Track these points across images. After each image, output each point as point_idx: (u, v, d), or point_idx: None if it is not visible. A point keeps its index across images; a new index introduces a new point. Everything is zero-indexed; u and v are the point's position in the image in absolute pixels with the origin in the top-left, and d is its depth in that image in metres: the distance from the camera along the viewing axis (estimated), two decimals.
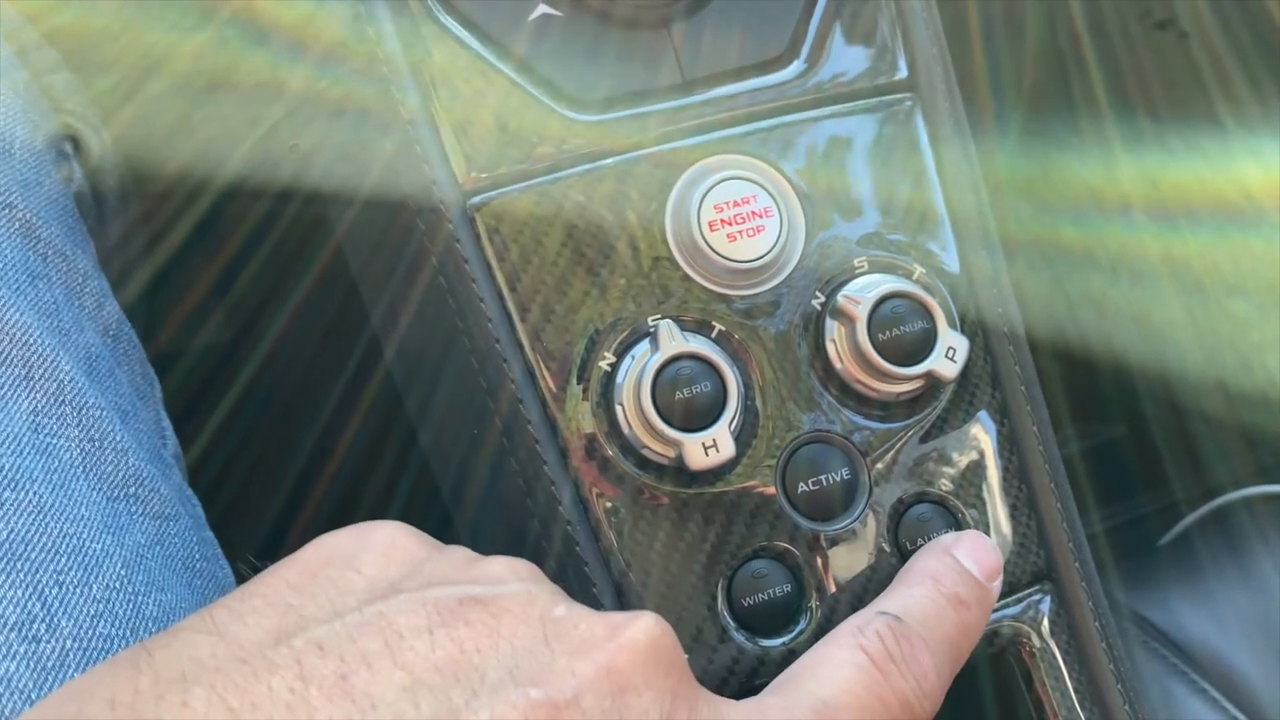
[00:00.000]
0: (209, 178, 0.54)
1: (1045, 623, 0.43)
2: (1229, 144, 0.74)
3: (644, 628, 0.28)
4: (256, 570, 0.29)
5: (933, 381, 0.41)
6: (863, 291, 0.40)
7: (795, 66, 0.43)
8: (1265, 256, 0.75)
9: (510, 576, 0.30)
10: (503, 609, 0.28)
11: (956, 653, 0.34)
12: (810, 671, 0.32)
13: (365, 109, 0.41)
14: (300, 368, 0.66)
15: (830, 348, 0.41)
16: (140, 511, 0.38)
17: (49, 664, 0.32)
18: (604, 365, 0.40)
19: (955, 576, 0.36)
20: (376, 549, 0.30)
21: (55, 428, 0.36)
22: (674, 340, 0.38)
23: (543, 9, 0.41)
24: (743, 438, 0.40)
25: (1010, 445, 0.43)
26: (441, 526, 0.49)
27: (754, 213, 0.40)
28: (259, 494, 0.63)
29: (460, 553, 0.31)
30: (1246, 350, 0.79)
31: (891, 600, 0.35)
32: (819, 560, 0.40)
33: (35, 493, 0.34)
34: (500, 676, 0.26)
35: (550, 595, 0.29)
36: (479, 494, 0.45)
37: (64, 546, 0.34)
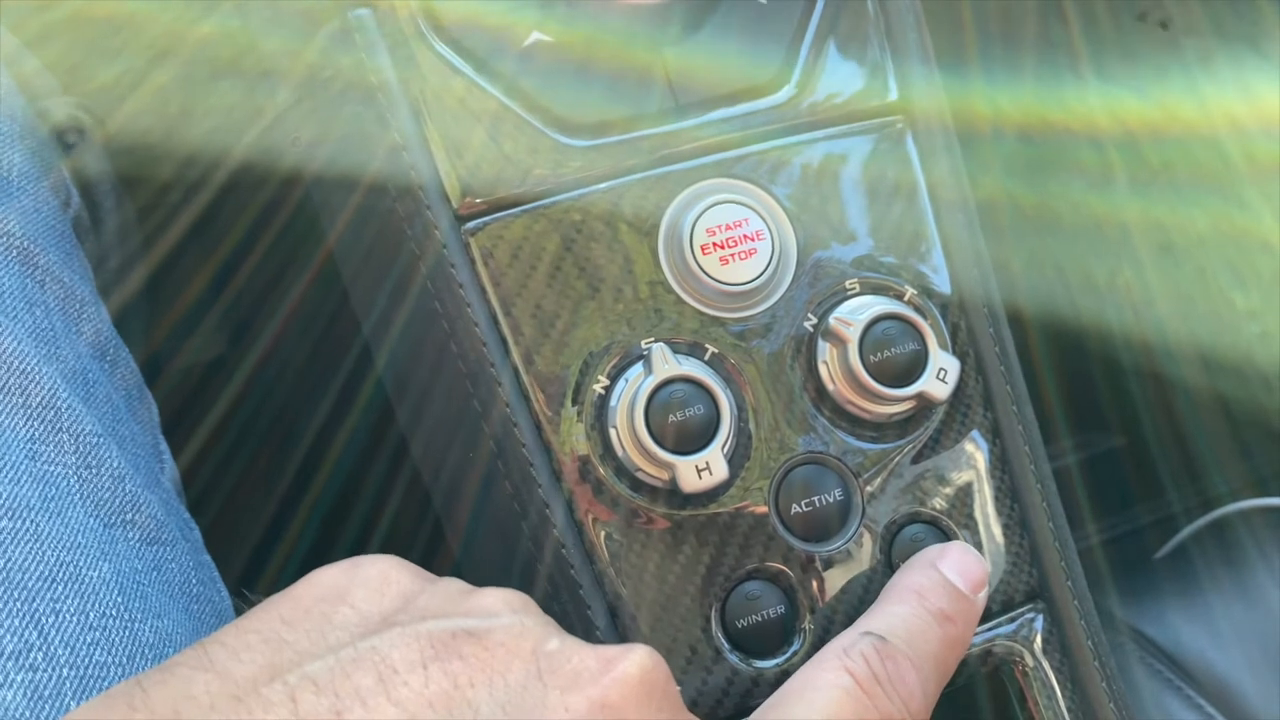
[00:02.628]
0: (209, 171, 0.54)
1: (1038, 641, 0.43)
2: (1220, 135, 0.74)
3: (636, 661, 0.29)
4: (250, 603, 0.29)
5: (924, 402, 0.41)
6: (854, 313, 0.41)
7: (787, 90, 0.43)
8: (1264, 247, 0.76)
9: (503, 609, 0.30)
10: (496, 642, 0.28)
11: (943, 669, 0.34)
12: (797, 695, 0.32)
13: (362, 102, 0.41)
14: (293, 382, 0.66)
15: (823, 369, 0.41)
16: (137, 537, 0.38)
17: (46, 692, 0.32)
18: (598, 388, 0.40)
19: (941, 591, 0.36)
20: (370, 583, 0.30)
21: (52, 455, 0.37)
22: (667, 363, 0.39)
23: (536, 35, 0.41)
24: (736, 460, 0.40)
25: (1002, 465, 0.43)
26: (434, 548, 0.49)
27: (746, 236, 0.41)
28: (249, 507, 0.63)
29: (453, 585, 0.31)
30: (1246, 342, 0.79)
31: (876, 619, 0.35)
32: (813, 581, 0.41)
33: (32, 521, 0.35)
34: (493, 711, 0.27)
35: (543, 628, 0.30)
36: (472, 514, 0.46)
37: (60, 574, 0.34)
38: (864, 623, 0.35)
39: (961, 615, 0.36)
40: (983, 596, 0.37)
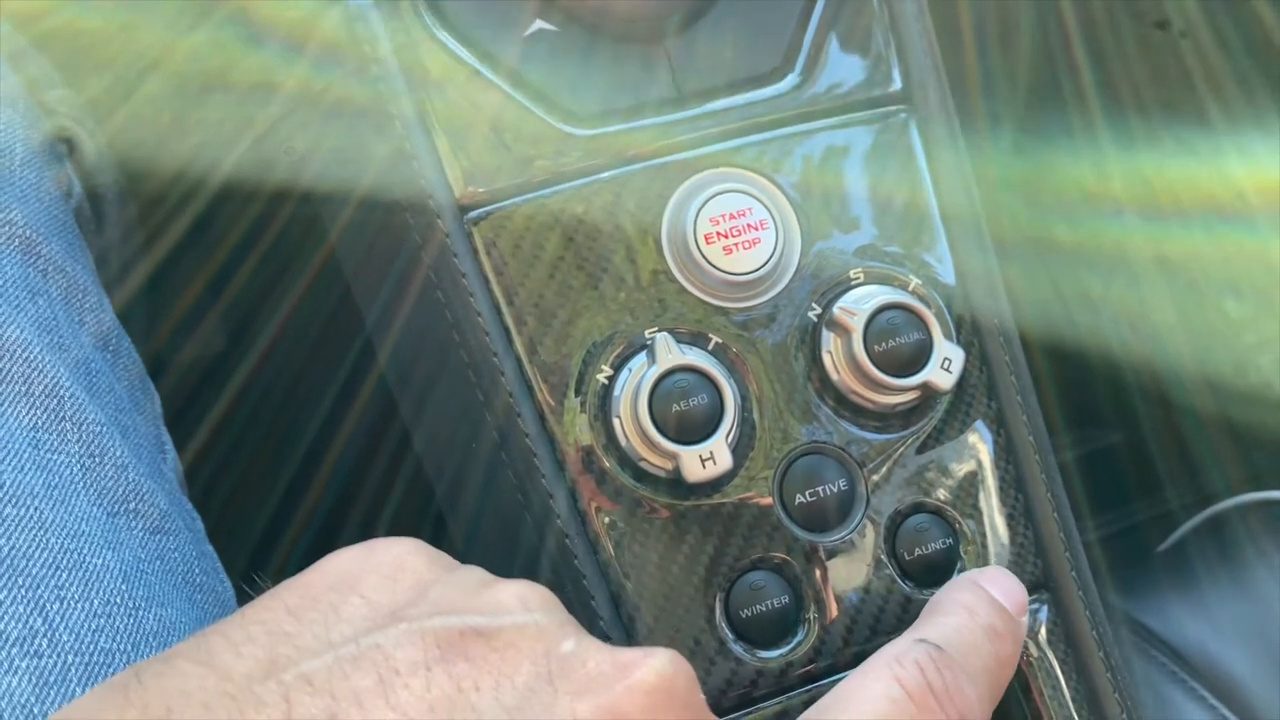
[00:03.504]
0: (203, 180, 0.54)
1: (1043, 632, 0.43)
2: (1219, 142, 0.74)
3: (654, 667, 0.27)
4: (259, 588, 0.29)
5: (929, 392, 0.41)
6: (858, 303, 0.41)
7: (790, 79, 0.43)
8: (1258, 257, 0.76)
9: (516, 606, 0.28)
10: (505, 643, 0.27)
11: (997, 686, 0.33)
12: (842, 705, 0.30)
13: (361, 110, 0.41)
14: (295, 375, 0.66)
15: (827, 359, 0.41)
16: (140, 526, 0.38)
17: (51, 678, 0.32)
18: (601, 378, 0.40)
19: (989, 608, 0.34)
20: (383, 570, 0.29)
21: (55, 443, 0.36)
22: (671, 353, 0.39)
23: (538, 24, 0.41)
24: (740, 449, 0.40)
25: (1007, 455, 0.43)
26: (438, 540, 0.49)
27: (749, 225, 0.41)
28: (253, 500, 0.63)
29: (472, 576, 0.30)
30: (1241, 351, 0.79)
31: (929, 628, 0.33)
32: (817, 571, 0.40)
33: (35, 508, 0.34)
34: (497, 716, 0.25)
35: (560, 628, 0.28)
36: (475, 505, 0.45)
37: (64, 561, 0.34)
38: (918, 630, 0.33)
39: (1010, 634, 0.34)
40: (1025, 620, 0.36)
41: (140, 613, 0.35)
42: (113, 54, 0.51)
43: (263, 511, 0.62)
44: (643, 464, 0.39)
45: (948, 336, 0.42)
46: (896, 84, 0.44)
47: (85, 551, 0.35)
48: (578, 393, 0.40)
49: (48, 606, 0.33)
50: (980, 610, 0.34)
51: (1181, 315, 0.81)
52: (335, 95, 0.42)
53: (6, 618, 0.32)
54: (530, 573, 0.41)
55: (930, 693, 0.30)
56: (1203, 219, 0.75)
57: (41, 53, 0.50)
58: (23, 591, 0.33)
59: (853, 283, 0.42)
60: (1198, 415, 0.83)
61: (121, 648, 0.34)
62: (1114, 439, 0.95)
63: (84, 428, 0.38)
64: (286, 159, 0.48)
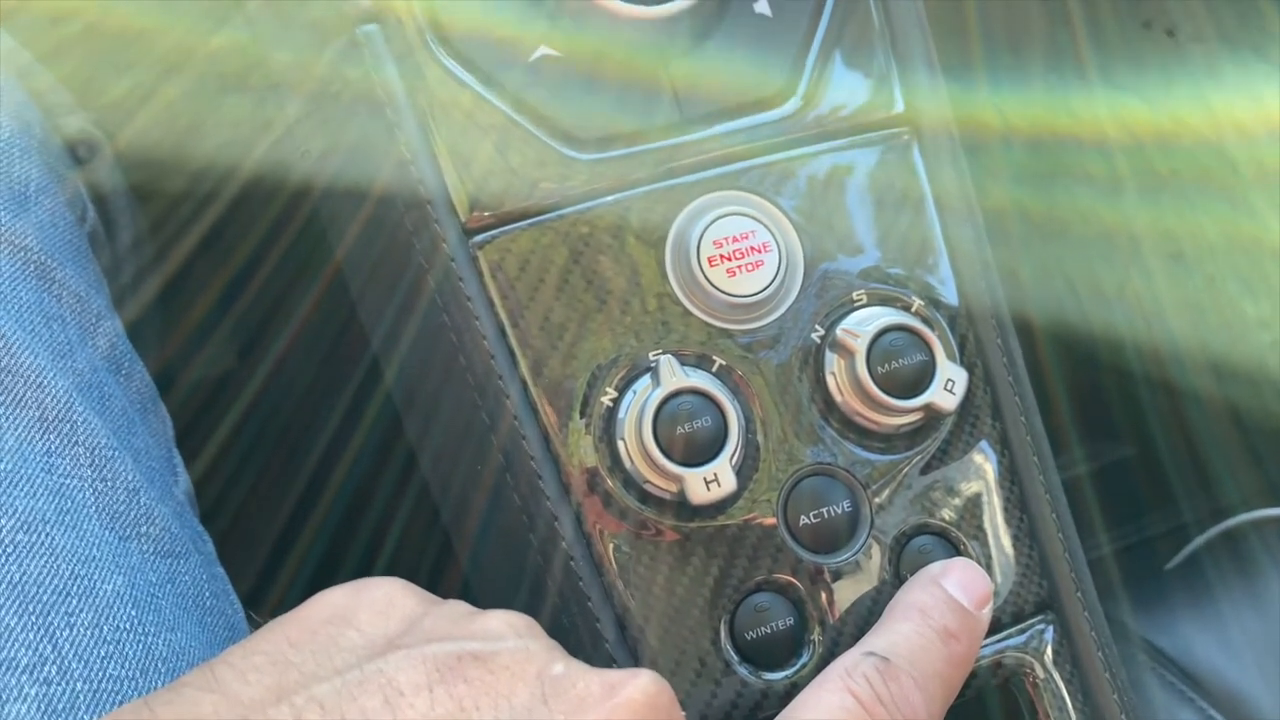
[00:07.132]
0: (218, 185, 0.54)
1: (1049, 653, 0.43)
2: (1223, 130, 0.74)
3: (641, 686, 0.29)
4: (256, 625, 0.29)
5: (932, 413, 0.41)
6: (861, 325, 0.41)
7: (792, 103, 0.43)
8: (1274, 255, 0.75)
9: (508, 632, 0.30)
10: (501, 666, 0.28)
11: (948, 687, 0.34)
12: (799, 718, 0.32)
13: (369, 118, 0.41)
14: (303, 395, 0.66)
15: (830, 381, 0.41)
16: (151, 550, 0.38)
17: (60, 707, 0.32)
18: (606, 400, 0.40)
19: (944, 608, 0.36)
20: (375, 606, 0.30)
21: (69, 469, 0.37)
22: (675, 375, 0.39)
23: (542, 49, 0.42)
24: (744, 471, 0.40)
25: (1011, 475, 0.43)
26: (442, 562, 0.49)
27: (753, 248, 0.41)
28: (259, 519, 0.64)
29: (458, 607, 0.31)
30: (1257, 351, 0.78)
31: (879, 639, 0.35)
32: (822, 593, 0.41)
33: (48, 535, 0.35)
34: None
35: (548, 652, 0.30)
36: (480, 526, 0.46)
37: (75, 588, 0.34)
38: (867, 642, 0.35)
39: (966, 632, 0.36)
40: (987, 612, 0.37)
41: (150, 638, 0.36)
42: (133, 57, 0.51)
43: (269, 531, 0.63)
44: (647, 486, 0.39)
45: (951, 358, 0.42)
46: (899, 106, 0.44)
47: (96, 577, 0.35)
48: (583, 415, 0.40)
49: (57, 633, 0.33)
50: (934, 612, 0.36)
51: (1197, 313, 0.80)
52: (347, 99, 0.43)
53: (16, 644, 0.32)
54: (536, 594, 0.41)
55: (879, 702, 0.32)
56: (1214, 213, 0.75)
57: (63, 58, 0.50)
58: (33, 618, 0.33)
59: (856, 304, 0.42)
60: (1209, 414, 0.83)
61: (130, 675, 0.34)
62: (1127, 452, 0.94)
63: (96, 452, 0.38)
64: (302, 163, 0.49)
